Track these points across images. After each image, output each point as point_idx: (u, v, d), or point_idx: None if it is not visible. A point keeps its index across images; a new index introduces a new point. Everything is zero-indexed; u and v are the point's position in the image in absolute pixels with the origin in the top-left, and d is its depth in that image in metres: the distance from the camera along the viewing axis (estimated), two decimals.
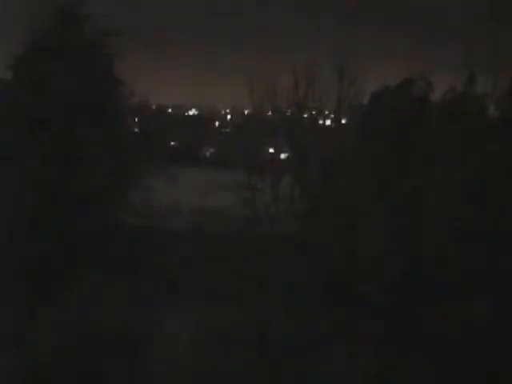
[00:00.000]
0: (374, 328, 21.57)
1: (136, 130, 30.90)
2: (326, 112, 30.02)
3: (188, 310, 22.71)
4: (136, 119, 30.55)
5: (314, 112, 29.72)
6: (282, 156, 30.00)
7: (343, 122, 29.54)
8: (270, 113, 30.06)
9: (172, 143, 35.09)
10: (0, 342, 21.19)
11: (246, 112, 32.63)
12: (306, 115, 29.76)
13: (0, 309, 21.97)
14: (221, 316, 22.13)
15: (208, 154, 36.76)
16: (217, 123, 39.08)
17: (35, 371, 20.51)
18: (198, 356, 21.20)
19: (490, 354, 21.09)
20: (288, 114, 29.49)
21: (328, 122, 30.50)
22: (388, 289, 22.09)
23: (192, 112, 39.96)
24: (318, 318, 21.91)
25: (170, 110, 39.21)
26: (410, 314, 21.73)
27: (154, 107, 34.74)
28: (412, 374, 20.90)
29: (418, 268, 22.29)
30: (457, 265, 21.99)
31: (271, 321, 22.11)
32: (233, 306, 22.47)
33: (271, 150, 30.28)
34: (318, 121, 30.30)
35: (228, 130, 37.29)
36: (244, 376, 20.91)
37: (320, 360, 21.20)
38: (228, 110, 38.27)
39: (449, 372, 21.10)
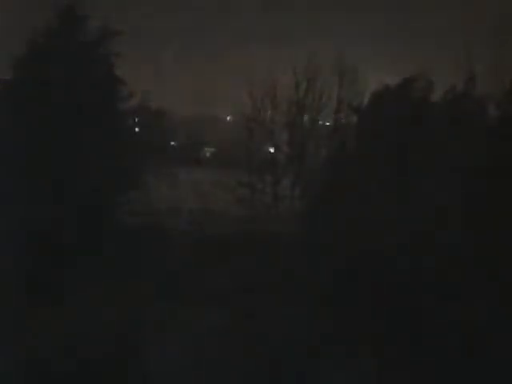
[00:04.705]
0: None
1: (136, 129, 30.88)
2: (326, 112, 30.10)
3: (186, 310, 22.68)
4: (136, 119, 30.53)
5: (314, 112, 29.82)
6: (282, 156, 30.06)
7: (343, 122, 29.60)
8: (269, 113, 30.15)
9: (172, 143, 35.04)
10: None
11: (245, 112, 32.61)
12: (305, 115, 29.85)
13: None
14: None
15: (208, 154, 36.73)
16: (217, 123, 39.02)
17: None
18: None
19: None
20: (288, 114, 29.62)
21: (328, 122, 30.55)
22: None
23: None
24: None
25: None
26: None
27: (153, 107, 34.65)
28: None
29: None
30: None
31: None
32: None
33: (271, 150, 30.32)
34: (318, 121, 30.37)
35: (228, 130, 37.26)
36: None
37: None
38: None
39: None
